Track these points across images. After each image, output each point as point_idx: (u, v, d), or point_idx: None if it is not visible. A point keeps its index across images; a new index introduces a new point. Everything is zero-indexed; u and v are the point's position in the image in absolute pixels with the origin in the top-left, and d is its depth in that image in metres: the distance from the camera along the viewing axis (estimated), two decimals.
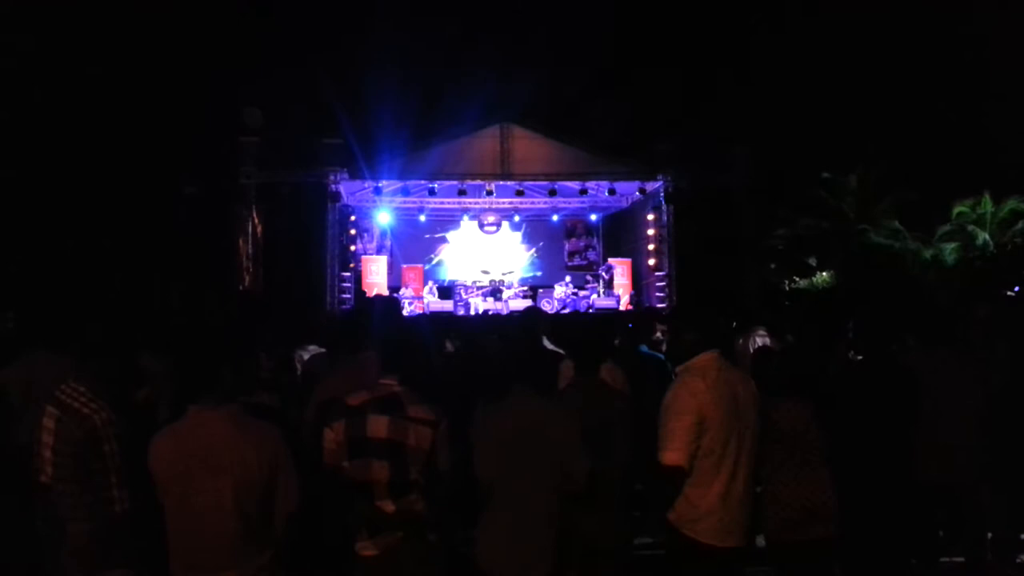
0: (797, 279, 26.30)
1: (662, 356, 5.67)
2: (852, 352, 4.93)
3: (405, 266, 19.48)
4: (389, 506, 3.10)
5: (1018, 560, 5.01)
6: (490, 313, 16.73)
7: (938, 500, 4.23)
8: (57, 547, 3.03)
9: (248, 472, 2.74)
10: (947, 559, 4.44)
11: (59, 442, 2.99)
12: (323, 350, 4.98)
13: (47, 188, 15.96)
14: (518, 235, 20.84)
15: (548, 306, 17.60)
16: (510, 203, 19.16)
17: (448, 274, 20.24)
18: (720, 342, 3.48)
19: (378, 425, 3.12)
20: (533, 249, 20.92)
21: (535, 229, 20.91)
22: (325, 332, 5.26)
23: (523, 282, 19.82)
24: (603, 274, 18.87)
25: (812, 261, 26.13)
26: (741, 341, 6.53)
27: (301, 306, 14.01)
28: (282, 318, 6.78)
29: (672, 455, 3.18)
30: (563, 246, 21.20)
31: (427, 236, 20.47)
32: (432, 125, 17.57)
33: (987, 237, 23.32)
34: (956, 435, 4.19)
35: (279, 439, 2.89)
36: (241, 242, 16.31)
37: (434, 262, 20.41)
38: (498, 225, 20.47)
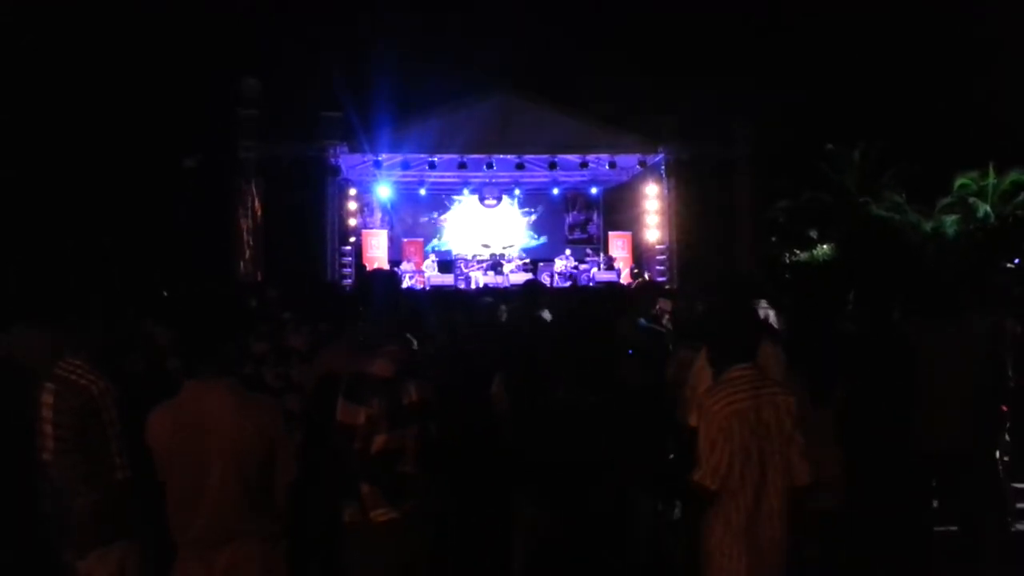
0: (798, 252, 26.26)
1: (662, 330, 5.68)
2: (851, 324, 4.95)
3: (406, 240, 19.45)
4: (412, 470, 3.15)
5: (1013, 529, 5.06)
6: (490, 287, 16.74)
7: (933, 469, 4.27)
8: (61, 525, 3.06)
9: (247, 444, 2.77)
10: (941, 528, 4.48)
11: (58, 415, 3.02)
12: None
13: (40, 163, 15.90)
14: (519, 214, 20.83)
15: (549, 279, 17.62)
16: (510, 176, 19.09)
17: (449, 248, 20.23)
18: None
19: (410, 391, 3.18)
20: (531, 217, 20.88)
21: (536, 202, 20.87)
22: (325, 305, 5.27)
23: (523, 255, 19.84)
24: (602, 264, 18.82)
25: (813, 234, 26.08)
26: None
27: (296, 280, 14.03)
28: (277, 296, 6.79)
29: None
30: (564, 219, 21.16)
31: (431, 216, 20.48)
32: (432, 98, 17.45)
33: (988, 209, 23.28)
34: (953, 405, 4.22)
35: (277, 411, 2.93)
36: (241, 216, 16.28)
37: (440, 239, 20.40)
38: (498, 199, 20.42)
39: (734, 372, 2.97)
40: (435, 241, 20.39)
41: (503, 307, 6.18)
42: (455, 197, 20.45)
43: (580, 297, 5.35)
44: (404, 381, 3.20)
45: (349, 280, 16.70)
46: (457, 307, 5.63)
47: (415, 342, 3.95)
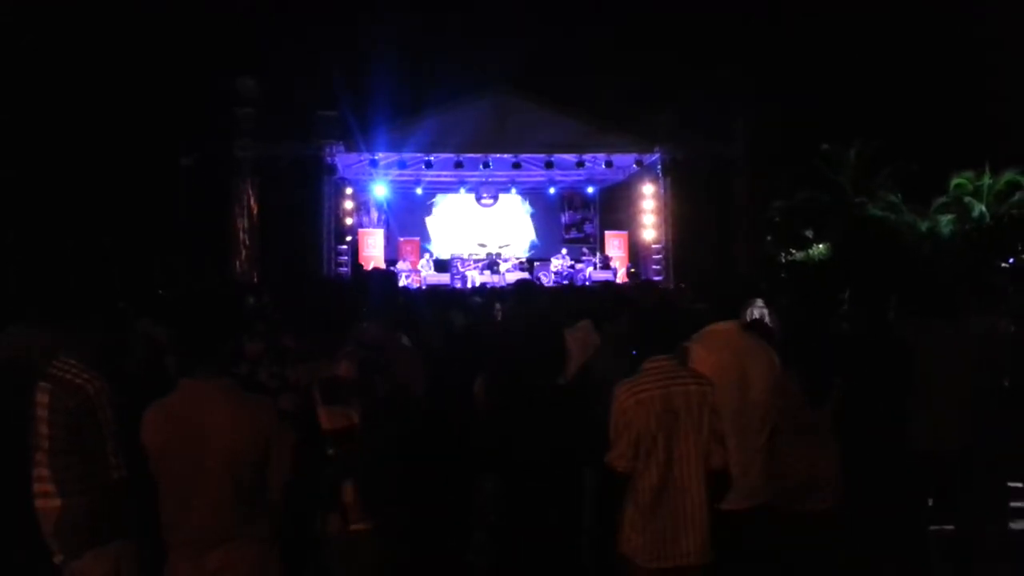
0: (794, 251, 26.32)
1: None
2: (846, 324, 4.96)
3: (402, 239, 19.46)
4: (387, 471, 3.15)
5: (1009, 528, 5.08)
6: (487, 286, 16.74)
7: (929, 469, 4.28)
8: (57, 526, 3.04)
9: (242, 444, 2.75)
10: (937, 527, 4.50)
11: (53, 414, 2.99)
12: None
13: (39, 163, 15.87)
14: (520, 208, 20.83)
15: (545, 279, 17.63)
16: (507, 176, 19.08)
17: (444, 247, 20.19)
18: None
19: (377, 389, 3.19)
20: (530, 215, 20.93)
21: (532, 202, 20.88)
22: (322, 304, 5.25)
23: (530, 250, 19.91)
24: (598, 263, 18.81)
25: (809, 233, 26.13)
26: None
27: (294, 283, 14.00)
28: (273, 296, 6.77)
29: None
30: (560, 219, 21.17)
31: (426, 216, 20.54)
32: (429, 97, 17.45)
33: (983, 209, 23.33)
34: (949, 405, 4.24)
35: (273, 411, 2.92)
36: (237, 215, 16.27)
37: (430, 237, 20.40)
38: (495, 198, 20.42)
39: (649, 364, 3.19)
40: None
41: (497, 306, 6.21)
42: (434, 200, 20.45)
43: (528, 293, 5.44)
44: (370, 380, 3.21)
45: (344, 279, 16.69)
46: (451, 307, 5.64)
47: (407, 341, 3.96)
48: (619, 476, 3.13)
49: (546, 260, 18.97)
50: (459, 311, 5.55)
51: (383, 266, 17.71)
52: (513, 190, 20.31)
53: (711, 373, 3.33)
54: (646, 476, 3.10)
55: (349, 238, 18.23)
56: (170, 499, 2.78)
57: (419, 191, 19.78)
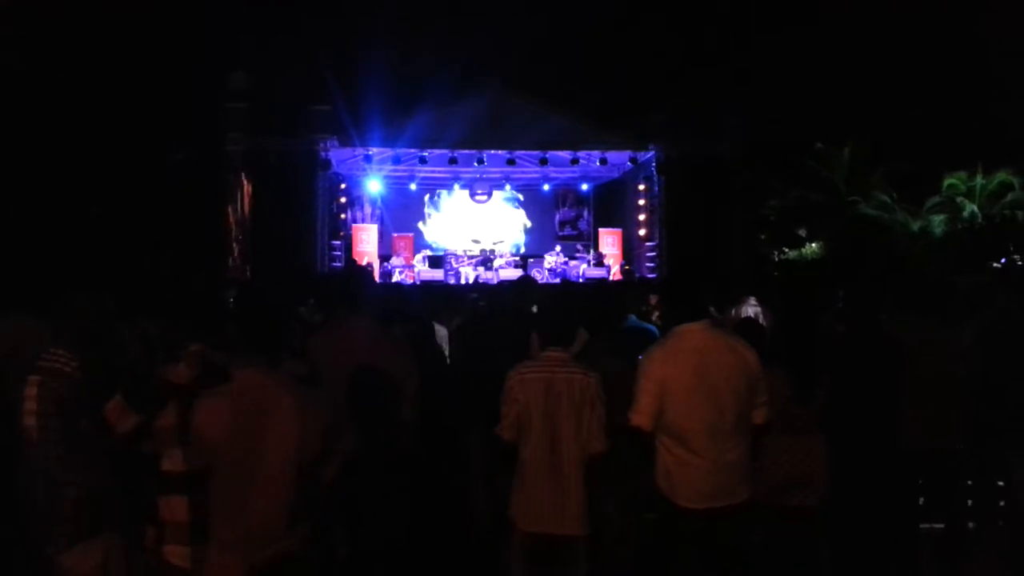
0: (787, 250, 26.38)
1: (652, 327, 5.69)
2: (838, 323, 4.97)
3: (396, 235, 19.42)
4: None
5: (998, 526, 5.10)
6: (480, 282, 16.75)
7: (921, 467, 4.30)
8: (46, 519, 3.03)
9: (305, 438, 2.70)
10: (927, 526, 4.52)
11: (43, 404, 3.00)
12: None
13: (24, 157, 15.78)
14: (514, 205, 20.81)
15: (538, 276, 17.62)
16: (501, 172, 19.07)
17: (437, 243, 20.16)
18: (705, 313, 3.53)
19: None
20: (523, 213, 20.91)
21: (526, 199, 20.86)
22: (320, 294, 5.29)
23: (516, 250, 19.88)
24: (591, 260, 18.80)
25: (802, 232, 26.19)
26: (733, 312, 6.59)
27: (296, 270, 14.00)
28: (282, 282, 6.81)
29: (634, 417, 3.34)
30: (554, 216, 21.16)
31: (424, 209, 20.52)
32: (423, 93, 17.40)
33: (975, 209, 23.41)
34: (940, 404, 4.25)
35: (331, 405, 2.91)
36: (229, 210, 16.21)
37: (424, 235, 20.35)
38: (489, 194, 20.40)
39: (545, 354, 3.59)
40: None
41: (481, 304, 6.33)
42: (427, 210, 20.42)
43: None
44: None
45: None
46: (448, 306, 5.70)
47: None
48: (504, 444, 3.53)
49: (540, 257, 18.96)
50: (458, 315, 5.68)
51: (377, 261, 17.73)
52: (507, 186, 20.29)
53: (664, 375, 3.30)
54: (528, 450, 3.48)
55: (343, 233, 18.19)
56: (228, 491, 2.68)
57: (413, 187, 19.75)
